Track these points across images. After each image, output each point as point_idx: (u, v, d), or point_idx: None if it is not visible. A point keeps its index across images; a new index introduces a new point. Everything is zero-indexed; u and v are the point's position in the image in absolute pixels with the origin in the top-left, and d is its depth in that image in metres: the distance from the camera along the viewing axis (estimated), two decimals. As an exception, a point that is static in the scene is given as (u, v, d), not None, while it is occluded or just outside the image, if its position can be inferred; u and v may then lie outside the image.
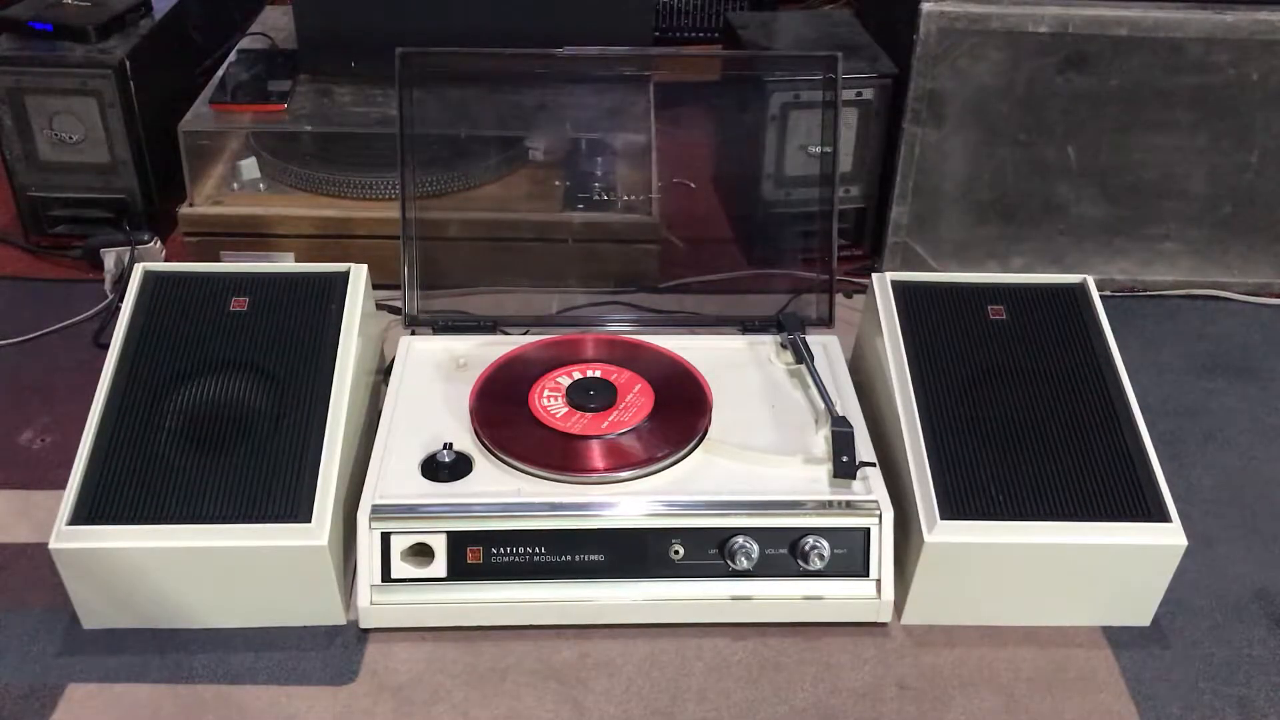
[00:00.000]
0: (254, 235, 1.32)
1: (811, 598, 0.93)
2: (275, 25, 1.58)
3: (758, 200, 1.38)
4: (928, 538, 0.91)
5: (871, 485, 0.94)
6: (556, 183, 1.36)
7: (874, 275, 1.09)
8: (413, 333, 1.13)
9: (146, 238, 1.35)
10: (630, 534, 0.92)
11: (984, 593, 0.94)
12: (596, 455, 0.95)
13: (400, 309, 1.14)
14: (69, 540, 0.88)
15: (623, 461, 0.94)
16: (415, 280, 1.14)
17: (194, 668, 0.90)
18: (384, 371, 1.13)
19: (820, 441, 0.99)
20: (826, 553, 0.91)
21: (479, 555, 0.91)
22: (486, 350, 1.07)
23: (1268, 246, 1.39)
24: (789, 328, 1.10)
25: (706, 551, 0.92)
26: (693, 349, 1.07)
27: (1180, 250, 1.39)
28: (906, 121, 1.30)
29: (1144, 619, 0.96)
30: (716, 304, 1.29)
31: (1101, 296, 1.07)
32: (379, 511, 0.91)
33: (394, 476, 0.94)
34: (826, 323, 1.15)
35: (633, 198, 1.33)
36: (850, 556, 0.93)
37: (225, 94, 1.38)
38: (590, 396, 0.99)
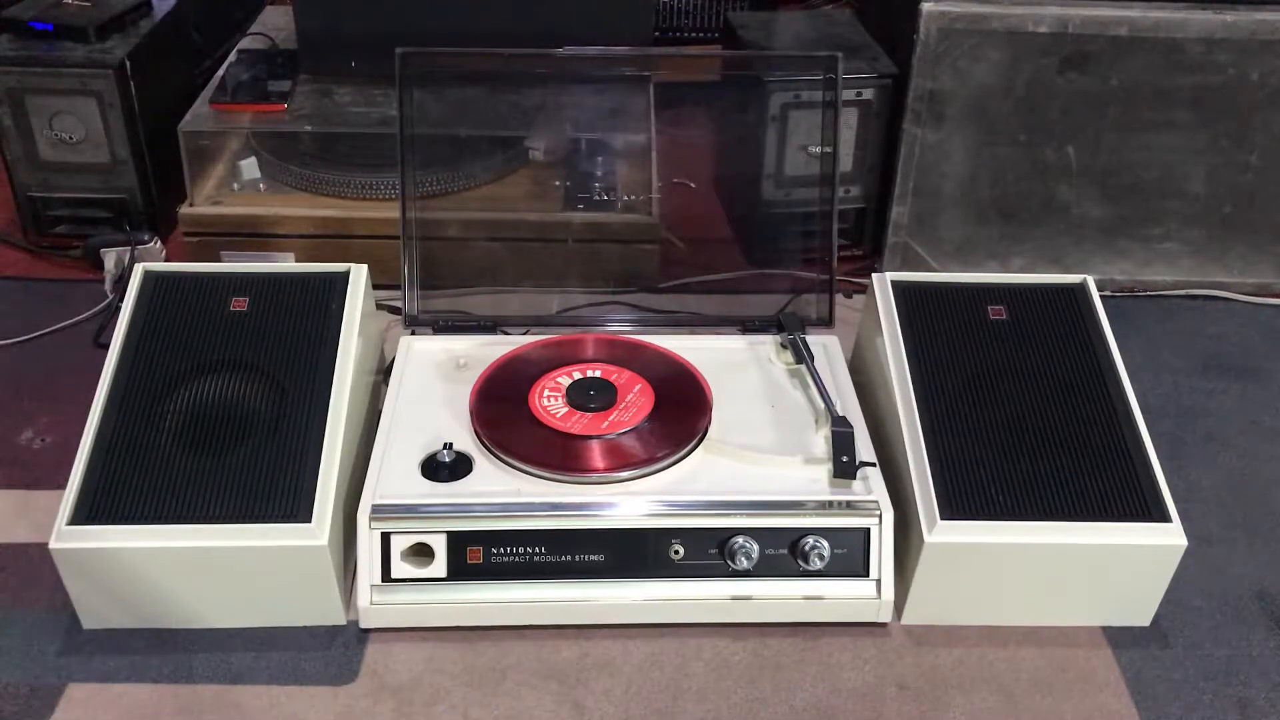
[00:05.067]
0: (254, 235, 1.32)
1: (811, 598, 0.93)
2: (275, 25, 1.58)
3: (758, 200, 1.38)
4: (928, 538, 0.91)
5: (871, 485, 0.94)
6: (556, 183, 1.36)
7: (874, 275, 1.09)
8: (413, 333, 1.13)
9: (146, 238, 1.35)
10: (630, 534, 0.92)
11: (984, 593, 0.94)
12: (596, 455, 0.95)
13: (400, 309, 1.14)
14: (69, 540, 0.88)
15: (623, 461, 0.94)
16: (415, 280, 1.14)
17: (194, 668, 0.90)
18: (384, 371, 1.13)
19: (820, 441, 0.99)
20: (826, 553, 0.91)
21: (479, 555, 0.91)
22: (486, 350, 1.07)
23: (1268, 246, 1.39)
24: (789, 328, 1.10)
25: (706, 551, 0.92)
26: (693, 349, 1.07)
27: (1180, 250, 1.39)
28: (906, 121, 1.30)
29: (1144, 619, 0.96)
30: (716, 304, 1.29)
31: (1101, 296, 1.07)
32: (379, 511, 0.91)
33: (394, 476, 0.94)
34: (826, 323, 1.15)
35: (633, 198, 1.33)
36: (850, 556, 0.93)
37: (225, 94, 1.38)
38: (590, 396, 0.99)
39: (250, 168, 1.37)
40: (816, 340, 1.10)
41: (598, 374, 1.02)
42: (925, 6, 1.24)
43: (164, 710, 0.87)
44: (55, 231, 1.42)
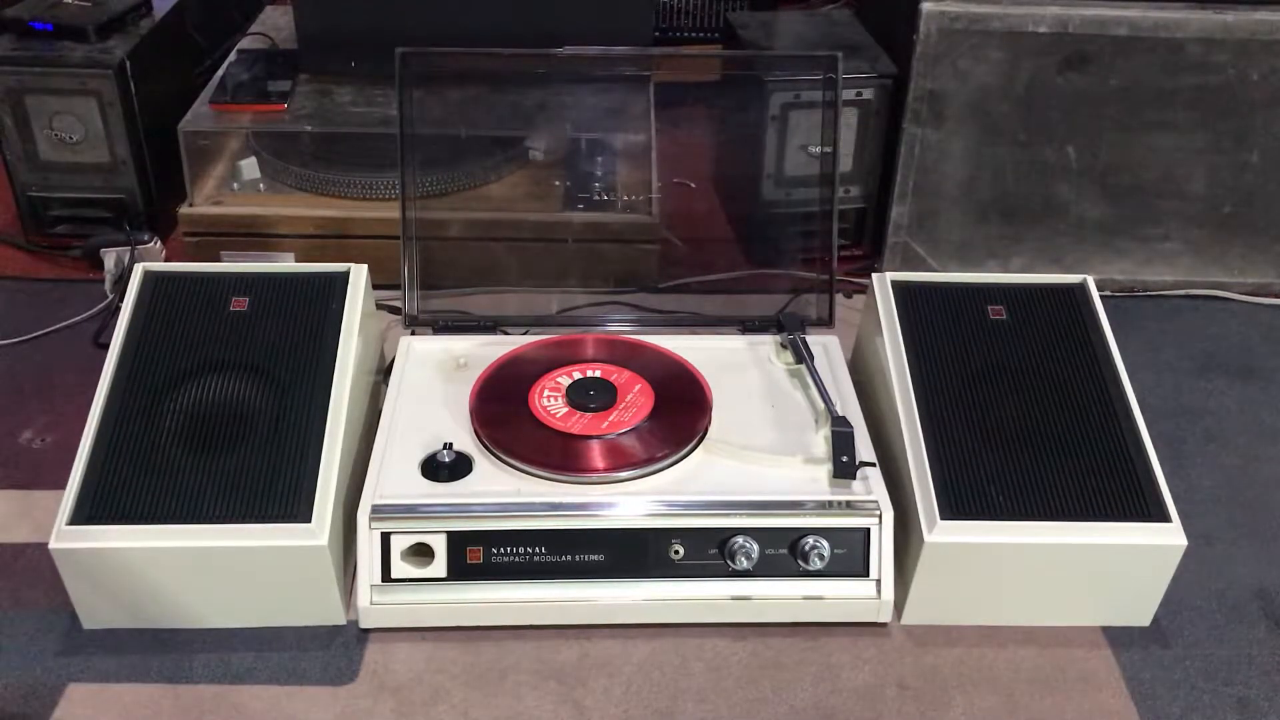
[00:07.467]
0: (254, 235, 1.32)
1: (811, 598, 0.93)
2: (275, 25, 1.58)
3: (758, 200, 1.38)
4: (928, 538, 0.91)
5: (871, 485, 0.94)
6: (556, 183, 1.36)
7: (874, 275, 1.09)
8: (413, 333, 1.13)
9: (146, 238, 1.35)
10: (630, 534, 0.92)
11: (984, 593, 0.94)
12: (596, 455, 0.95)
13: (400, 309, 1.14)
14: (69, 540, 0.88)
15: (623, 461, 0.94)
16: (415, 280, 1.14)
17: (194, 668, 0.90)
18: (384, 371, 1.13)
19: (820, 441, 0.99)
20: (826, 553, 0.91)
21: (479, 555, 0.91)
22: (486, 350, 1.07)
23: (1268, 246, 1.39)
24: (789, 328, 1.10)
25: (706, 551, 0.92)
26: (693, 349, 1.07)
27: (1180, 250, 1.39)
28: (906, 121, 1.30)
29: (1144, 619, 0.96)
30: (716, 304, 1.29)
31: (1101, 296, 1.07)
32: (379, 511, 0.91)
33: (394, 476, 0.94)
34: (826, 323, 1.15)
35: (633, 198, 1.33)
36: (850, 556, 0.93)
37: (225, 94, 1.38)
38: (590, 396, 0.99)
39: (250, 168, 1.37)
40: (816, 340, 1.10)
41: (598, 374, 1.02)
42: (925, 6, 1.24)
43: (164, 710, 0.87)
44: (55, 231, 1.42)
